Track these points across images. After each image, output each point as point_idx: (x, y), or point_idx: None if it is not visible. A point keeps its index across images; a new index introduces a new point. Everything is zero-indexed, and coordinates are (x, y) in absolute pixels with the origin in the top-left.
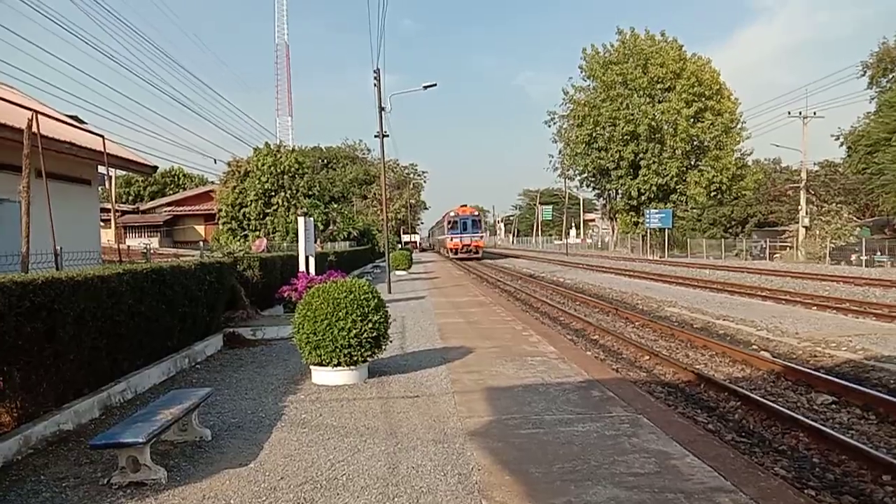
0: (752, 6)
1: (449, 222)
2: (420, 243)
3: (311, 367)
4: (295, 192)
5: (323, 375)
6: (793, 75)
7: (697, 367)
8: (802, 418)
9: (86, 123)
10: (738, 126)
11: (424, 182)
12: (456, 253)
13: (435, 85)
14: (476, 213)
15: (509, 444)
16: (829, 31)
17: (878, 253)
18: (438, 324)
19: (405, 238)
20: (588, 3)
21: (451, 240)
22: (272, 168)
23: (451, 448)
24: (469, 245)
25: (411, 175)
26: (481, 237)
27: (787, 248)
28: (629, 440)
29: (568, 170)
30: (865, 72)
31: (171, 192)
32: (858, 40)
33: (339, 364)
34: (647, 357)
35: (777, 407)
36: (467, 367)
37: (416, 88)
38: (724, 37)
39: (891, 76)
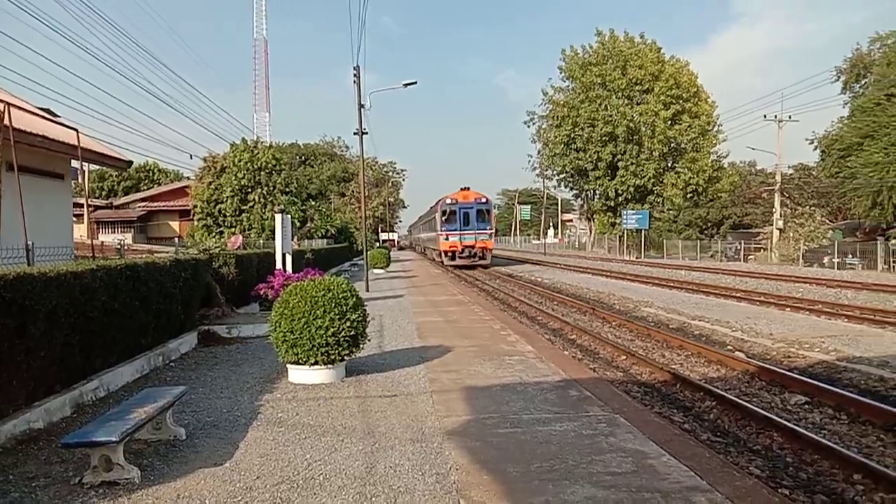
0: (733, 11)
1: (443, 213)
2: (398, 242)
3: (288, 365)
4: (272, 188)
5: (300, 374)
6: (771, 79)
7: (673, 367)
8: (776, 418)
9: (59, 117)
10: (715, 129)
11: (403, 180)
12: (452, 257)
13: (415, 83)
14: (484, 199)
15: (487, 444)
16: (809, 37)
17: (850, 256)
18: (417, 322)
19: (383, 236)
20: (570, 6)
21: (447, 238)
22: (249, 164)
23: (429, 447)
24: (473, 247)
25: (390, 173)
26: (491, 235)
27: (762, 250)
28: (606, 439)
29: (546, 170)
30: (839, 77)
31: (145, 187)
32: (839, 46)
33: (316, 363)
34: (624, 357)
35: (752, 407)
36: (445, 366)
37: (396, 86)
38: (705, 40)
39: (864, 82)
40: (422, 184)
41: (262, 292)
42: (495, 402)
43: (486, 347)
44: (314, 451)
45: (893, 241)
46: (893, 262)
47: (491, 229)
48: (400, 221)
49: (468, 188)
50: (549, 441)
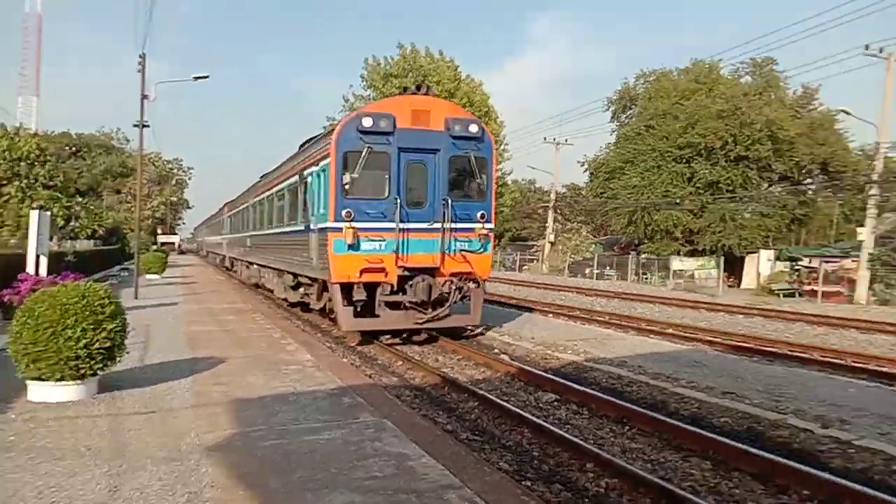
0: (525, 38)
1: (343, 156)
2: (180, 245)
3: (29, 382)
4: (33, 181)
5: (42, 391)
6: (552, 104)
7: (444, 370)
8: (528, 415)
9: None
10: (502, 147)
11: (189, 178)
12: (368, 303)
13: (207, 77)
14: (475, 125)
15: (250, 457)
16: (592, 66)
17: (608, 267)
18: (189, 332)
19: (161, 238)
20: (371, 19)
21: (349, 246)
22: (7, 153)
23: (185, 466)
24: (435, 270)
25: (175, 170)
26: (487, 237)
27: (535, 261)
28: (372, 444)
29: None
30: (609, 107)
31: None
32: (616, 76)
33: (62, 378)
34: (401, 362)
35: (508, 406)
36: (216, 378)
37: (185, 79)
38: (498, 63)
39: (629, 112)
40: (211, 183)
41: (5, 299)
42: (265, 414)
43: (262, 357)
44: (48, 477)
45: (643, 256)
46: (642, 273)
47: (487, 215)
48: (183, 223)
49: (427, 88)
50: (314, 450)
